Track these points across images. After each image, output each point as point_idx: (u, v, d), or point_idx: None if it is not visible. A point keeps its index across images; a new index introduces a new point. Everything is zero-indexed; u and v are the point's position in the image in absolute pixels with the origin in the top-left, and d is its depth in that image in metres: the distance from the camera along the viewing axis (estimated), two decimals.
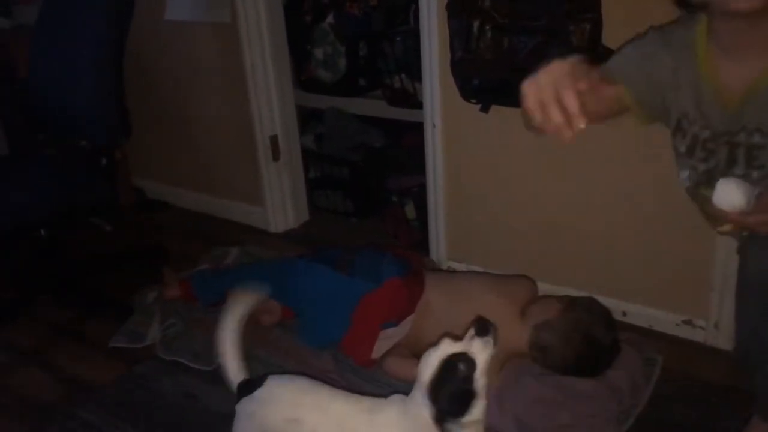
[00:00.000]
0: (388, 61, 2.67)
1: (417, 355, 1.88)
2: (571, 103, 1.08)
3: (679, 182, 1.41)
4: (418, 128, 2.34)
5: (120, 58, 2.20)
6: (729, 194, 1.18)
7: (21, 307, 2.36)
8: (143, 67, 2.92)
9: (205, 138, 2.98)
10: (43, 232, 2.28)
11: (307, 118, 3.14)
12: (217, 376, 1.90)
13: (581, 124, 1.10)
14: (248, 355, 1.93)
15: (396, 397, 1.38)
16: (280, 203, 2.88)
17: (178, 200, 3.20)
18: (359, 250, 2.10)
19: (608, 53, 1.78)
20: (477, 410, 1.27)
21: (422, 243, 2.50)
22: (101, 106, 2.18)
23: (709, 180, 1.32)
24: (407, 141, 2.85)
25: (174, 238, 2.86)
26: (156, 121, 3.08)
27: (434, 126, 2.24)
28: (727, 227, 1.34)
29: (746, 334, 1.44)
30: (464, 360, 1.26)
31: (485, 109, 2.05)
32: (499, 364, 1.76)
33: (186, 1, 2.72)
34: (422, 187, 2.42)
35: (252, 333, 2.03)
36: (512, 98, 1.94)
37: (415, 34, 2.26)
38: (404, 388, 1.78)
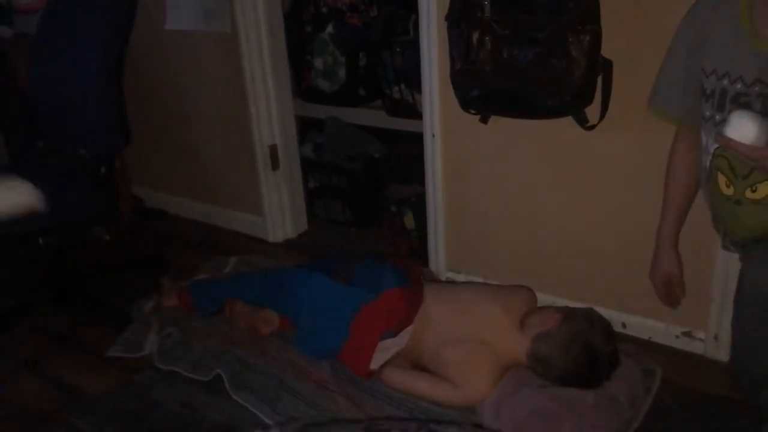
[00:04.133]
0: (387, 72, 2.68)
1: (416, 366, 1.88)
2: None
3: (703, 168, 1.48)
4: (417, 138, 2.34)
5: (120, 67, 2.20)
6: (742, 125, 1.20)
7: (18, 316, 2.35)
8: (143, 76, 2.93)
9: (205, 147, 2.98)
10: (41, 240, 2.27)
11: (307, 128, 3.15)
12: (214, 386, 1.90)
13: None
14: (246, 366, 1.94)
15: None
16: (279, 212, 2.87)
17: (177, 209, 3.20)
18: (358, 260, 2.09)
19: (606, 64, 1.80)
20: None
21: (421, 253, 2.50)
22: (101, 114, 2.18)
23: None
24: (406, 151, 2.85)
25: (172, 247, 2.86)
26: (155, 130, 3.08)
27: (433, 136, 2.24)
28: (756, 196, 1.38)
29: (740, 345, 1.45)
30: None
31: (485, 119, 2.06)
32: (499, 374, 1.76)
33: (187, 11, 2.73)
34: (421, 197, 2.41)
35: (250, 343, 2.03)
36: (511, 109, 1.97)
37: (414, 45, 2.26)
38: (403, 399, 1.78)
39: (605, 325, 1.77)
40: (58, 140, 2.35)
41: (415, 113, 2.55)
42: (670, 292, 1.75)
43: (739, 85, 1.38)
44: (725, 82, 1.40)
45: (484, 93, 1.95)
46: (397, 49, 2.61)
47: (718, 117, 1.41)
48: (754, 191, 1.40)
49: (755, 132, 1.20)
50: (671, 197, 1.67)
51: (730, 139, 1.26)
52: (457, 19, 1.93)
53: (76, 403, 1.92)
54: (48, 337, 2.25)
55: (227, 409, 1.82)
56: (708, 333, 1.92)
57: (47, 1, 2.41)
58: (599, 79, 1.83)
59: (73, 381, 2.02)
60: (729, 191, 1.44)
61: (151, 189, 3.27)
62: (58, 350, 2.18)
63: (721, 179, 1.46)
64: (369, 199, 2.91)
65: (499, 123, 2.04)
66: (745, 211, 1.43)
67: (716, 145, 1.43)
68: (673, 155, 1.65)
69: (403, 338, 1.87)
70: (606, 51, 1.79)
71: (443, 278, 2.40)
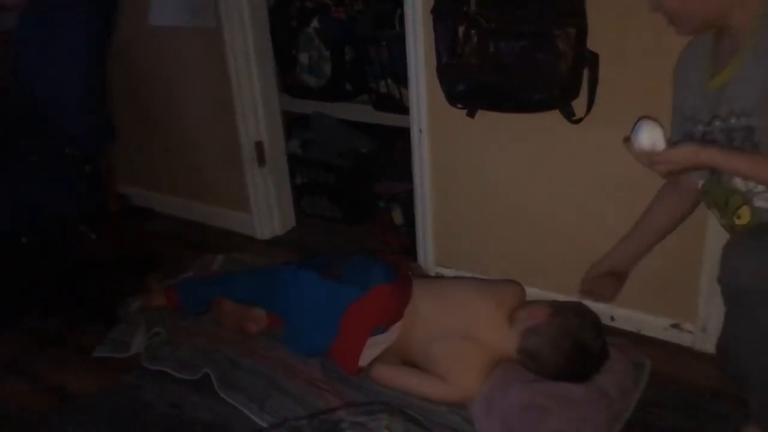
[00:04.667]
0: (374, 66, 2.67)
1: (405, 361, 1.88)
2: None
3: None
4: (405, 133, 2.33)
5: (103, 64, 2.17)
6: (640, 133, 1.34)
7: (3, 317, 2.33)
8: (127, 73, 2.90)
9: (190, 144, 2.96)
10: (24, 240, 2.25)
11: (293, 124, 3.13)
12: (204, 385, 1.89)
13: None
14: (235, 365, 1.93)
15: None
16: (267, 209, 2.86)
17: (163, 207, 3.18)
18: (347, 256, 2.09)
19: (593, 57, 1.80)
20: None
21: (410, 249, 2.49)
22: (85, 112, 2.16)
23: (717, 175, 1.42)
24: (395, 146, 2.85)
25: (159, 245, 2.84)
26: (140, 128, 3.06)
27: (421, 131, 2.23)
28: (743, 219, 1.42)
29: (723, 336, 1.47)
30: None
31: (471, 113, 2.05)
32: (488, 369, 1.76)
33: (170, 7, 2.71)
34: (410, 193, 2.41)
35: (239, 342, 2.02)
36: (498, 103, 1.96)
37: (401, 39, 2.25)
38: (393, 396, 1.78)
39: (594, 318, 1.77)
40: (43, 139, 2.32)
41: (402, 108, 2.54)
42: (601, 285, 1.78)
43: (701, 126, 1.42)
44: (693, 124, 1.44)
45: (470, 87, 1.94)
46: (384, 44, 2.60)
47: None
48: (739, 218, 1.41)
49: (647, 140, 1.32)
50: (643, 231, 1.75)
51: (631, 146, 1.38)
52: (443, 13, 1.92)
53: (63, 404, 1.90)
54: (34, 337, 2.23)
55: (217, 409, 1.81)
56: (696, 325, 1.93)
57: None
58: (585, 73, 1.83)
59: (59, 381, 2.00)
60: (723, 221, 1.47)
61: (137, 187, 3.25)
62: (45, 351, 2.16)
63: (714, 212, 1.49)
64: (357, 195, 2.90)
65: (486, 117, 2.03)
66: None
67: (702, 181, 1.47)
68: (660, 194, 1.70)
69: (392, 334, 1.86)
70: (592, 44, 1.79)
71: (432, 273, 2.40)
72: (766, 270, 1.26)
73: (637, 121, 1.37)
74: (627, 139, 1.39)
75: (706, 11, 1.35)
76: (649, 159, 1.36)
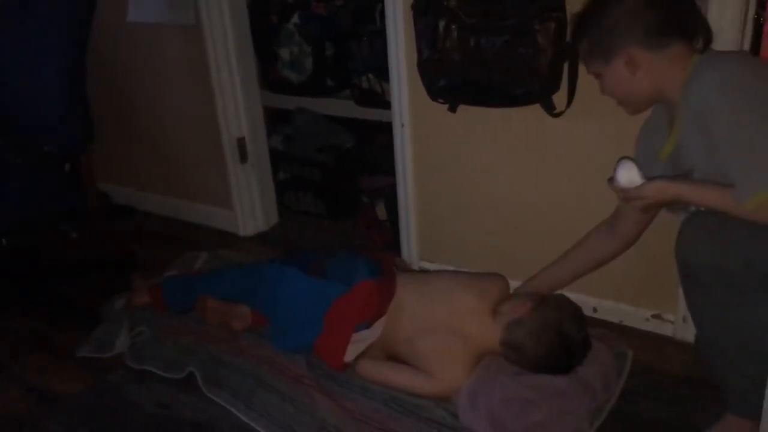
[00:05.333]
0: (355, 61, 2.66)
1: (390, 356, 1.88)
2: None
3: None
4: (387, 128, 2.33)
5: (82, 62, 2.16)
6: (617, 172, 1.46)
7: None
8: (106, 70, 2.88)
9: (171, 141, 2.94)
10: (4, 241, 2.23)
11: (275, 119, 3.12)
12: (189, 384, 1.88)
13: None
14: (220, 362, 1.92)
15: None
16: (249, 206, 2.85)
17: (145, 205, 3.16)
18: (331, 253, 2.09)
19: (573, 52, 1.80)
20: None
21: (394, 243, 2.50)
22: (64, 110, 2.15)
23: None
24: (378, 141, 2.85)
25: (142, 243, 2.82)
26: (121, 125, 3.03)
27: (402, 126, 2.23)
28: None
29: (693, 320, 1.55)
30: None
31: (453, 108, 2.06)
32: (473, 363, 1.77)
33: (149, 3, 2.68)
34: (393, 188, 2.41)
35: (223, 340, 2.01)
36: (479, 98, 1.97)
37: (381, 34, 2.25)
38: (379, 391, 1.79)
39: (576, 310, 1.79)
40: (21, 138, 2.30)
41: (384, 103, 2.54)
42: None
43: None
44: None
45: (451, 82, 1.94)
46: (365, 39, 2.60)
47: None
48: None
49: (623, 177, 1.44)
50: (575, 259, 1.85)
51: (611, 183, 1.48)
52: (423, 8, 1.92)
53: (47, 404, 1.89)
54: (16, 338, 2.21)
55: (203, 408, 1.81)
56: (677, 315, 1.95)
57: None
58: (566, 67, 1.84)
59: (43, 382, 1.99)
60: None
61: (119, 185, 3.22)
62: (27, 351, 2.14)
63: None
64: (341, 190, 2.90)
65: (468, 112, 2.04)
66: None
67: (685, 215, 1.51)
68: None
69: (376, 329, 1.87)
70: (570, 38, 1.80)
71: (416, 268, 2.40)
72: (719, 247, 1.35)
73: (618, 161, 1.46)
74: (610, 179, 1.48)
75: (640, 91, 1.47)
76: (624, 195, 1.46)
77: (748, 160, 1.26)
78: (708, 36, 1.46)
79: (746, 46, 1.64)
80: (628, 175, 1.44)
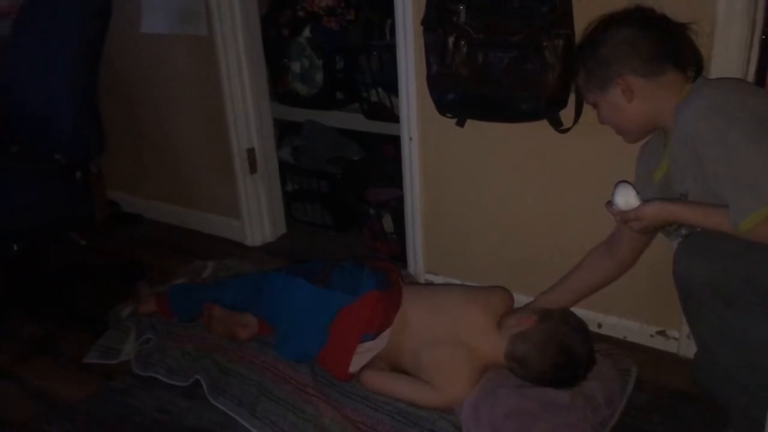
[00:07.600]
0: (364, 75, 2.69)
1: (395, 368, 1.89)
2: None
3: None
4: (395, 141, 2.35)
5: (95, 71, 2.18)
6: (615, 195, 1.49)
7: None
8: (119, 80, 2.91)
9: (182, 151, 2.97)
10: (15, 246, 2.25)
11: (285, 131, 3.14)
12: (192, 391, 1.89)
13: None
14: (225, 371, 1.93)
15: None
16: (257, 216, 2.87)
17: (154, 213, 3.18)
18: (337, 263, 2.10)
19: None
20: None
21: (400, 256, 2.51)
22: (76, 119, 2.16)
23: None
24: (385, 154, 2.86)
25: (150, 251, 2.84)
26: (131, 134, 3.06)
27: (411, 139, 2.25)
28: None
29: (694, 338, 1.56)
30: None
31: (461, 123, 2.07)
32: (477, 375, 1.77)
33: (162, 14, 2.72)
34: (400, 200, 2.43)
35: (229, 348, 2.02)
36: (487, 112, 1.98)
37: (391, 49, 2.27)
38: (382, 402, 1.79)
39: (581, 325, 1.79)
40: (33, 145, 2.32)
41: (393, 116, 2.56)
42: None
43: None
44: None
45: (460, 97, 1.96)
46: (374, 53, 2.62)
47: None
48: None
49: (624, 200, 1.48)
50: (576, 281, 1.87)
51: (609, 207, 1.51)
52: (433, 24, 1.94)
53: (52, 410, 1.90)
54: (23, 344, 2.22)
55: (206, 415, 1.82)
56: (681, 332, 1.95)
57: (21, 4, 2.39)
58: (573, 83, 1.85)
59: (49, 388, 1.99)
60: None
61: (128, 193, 3.25)
62: (34, 357, 2.15)
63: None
64: (348, 202, 2.91)
65: (476, 126, 2.05)
66: None
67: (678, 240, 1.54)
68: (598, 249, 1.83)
69: (382, 341, 1.87)
70: None
71: (422, 280, 2.41)
72: (718, 266, 1.35)
73: (615, 185, 1.50)
74: (608, 203, 1.51)
75: (637, 117, 1.51)
76: (622, 217, 1.49)
77: (738, 182, 1.28)
78: (700, 65, 1.51)
79: (753, 66, 1.66)
80: (626, 197, 1.47)
